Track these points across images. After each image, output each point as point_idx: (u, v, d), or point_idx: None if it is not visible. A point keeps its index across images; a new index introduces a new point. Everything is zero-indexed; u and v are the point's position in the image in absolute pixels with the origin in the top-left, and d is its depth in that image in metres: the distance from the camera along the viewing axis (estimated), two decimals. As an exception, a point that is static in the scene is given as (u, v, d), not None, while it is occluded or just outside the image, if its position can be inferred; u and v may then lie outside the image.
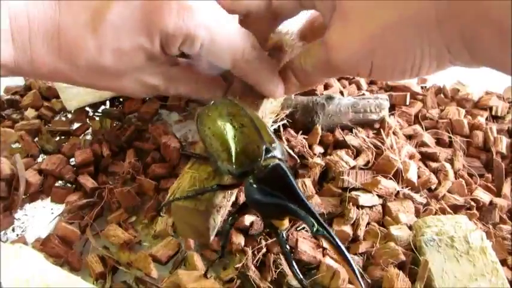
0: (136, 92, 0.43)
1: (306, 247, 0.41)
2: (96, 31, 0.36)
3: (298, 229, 0.43)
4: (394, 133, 0.54)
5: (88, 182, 0.49)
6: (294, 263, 0.33)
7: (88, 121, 0.59)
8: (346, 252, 0.31)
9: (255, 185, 0.34)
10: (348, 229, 0.43)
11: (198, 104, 0.59)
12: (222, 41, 0.39)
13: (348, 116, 0.54)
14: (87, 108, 0.60)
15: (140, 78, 0.41)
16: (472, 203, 0.47)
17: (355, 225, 0.44)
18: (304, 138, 0.52)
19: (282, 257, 0.40)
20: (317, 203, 0.45)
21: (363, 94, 0.61)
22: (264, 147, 0.35)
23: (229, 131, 0.37)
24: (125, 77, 0.40)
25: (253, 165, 0.35)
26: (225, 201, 0.39)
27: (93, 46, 0.36)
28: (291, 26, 0.49)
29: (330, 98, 0.54)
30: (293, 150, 0.50)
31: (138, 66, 0.40)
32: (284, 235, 0.35)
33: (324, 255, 0.41)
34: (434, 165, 0.52)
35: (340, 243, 0.31)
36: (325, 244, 0.41)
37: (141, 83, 0.42)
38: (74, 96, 0.56)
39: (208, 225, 0.36)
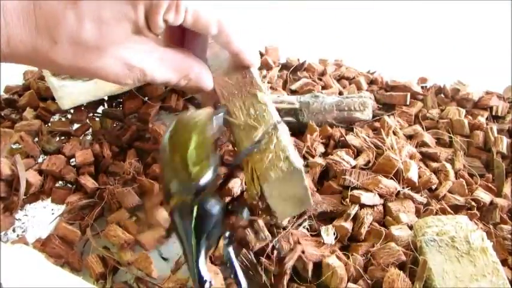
0: (121, 76, 0.39)
1: (311, 248, 0.41)
2: (75, 0, 0.33)
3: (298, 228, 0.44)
4: (394, 133, 0.54)
5: (89, 182, 0.49)
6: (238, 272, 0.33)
7: (88, 121, 0.59)
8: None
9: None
10: (347, 225, 0.43)
11: (197, 104, 0.59)
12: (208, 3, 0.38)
13: (332, 114, 0.55)
14: (87, 109, 0.60)
15: (124, 57, 0.37)
16: (473, 203, 0.47)
17: (358, 224, 0.44)
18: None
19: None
20: (318, 201, 0.45)
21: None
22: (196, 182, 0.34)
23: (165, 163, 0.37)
24: (107, 54, 0.37)
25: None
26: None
27: (72, 17, 0.34)
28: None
29: (314, 97, 0.55)
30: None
31: (122, 40, 0.37)
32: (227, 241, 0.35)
33: (332, 252, 0.41)
34: (434, 165, 0.52)
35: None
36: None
37: (125, 64, 0.38)
38: (67, 95, 0.55)
39: (305, 183, 0.36)
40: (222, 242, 0.34)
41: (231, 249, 0.34)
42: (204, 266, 0.32)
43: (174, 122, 0.39)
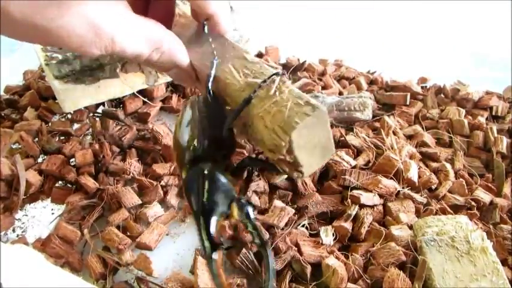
0: (86, 41, 0.32)
1: (309, 249, 0.41)
2: None
3: (297, 227, 0.44)
4: (394, 133, 0.54)
5: (89, 182, 0.49)
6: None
7: (88, 121, 0.59)
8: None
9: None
10: (347, 225, 0.43)
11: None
12: None
13: (332, 114, 0.55)
14: (87, 109, 0.60)
15: (91, 17, 0.32)
16: (473, 203, 0.47)
17: (358, 224, 0.44)
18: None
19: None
20: (318, 201, 0.45)
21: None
22: (189, 153, 0.36)
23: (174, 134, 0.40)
24: (71, 11, 0.31)
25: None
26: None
27: None
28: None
29: (314, 97, 0.55)
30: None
31: None
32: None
33: (330, 253, 0.41)
34: (434, 165, 0.52)
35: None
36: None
37: (92, 27, 0.32)
38: (69, 98, 0.56)
39: (328, 126, 0.33)
40: (235, 209, 0.33)
41: (250, 210, 0.33)
42: (214, 231, 0.31)
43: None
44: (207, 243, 0.31)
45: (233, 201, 0.33)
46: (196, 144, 0.36)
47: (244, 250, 0.42)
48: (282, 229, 0.44)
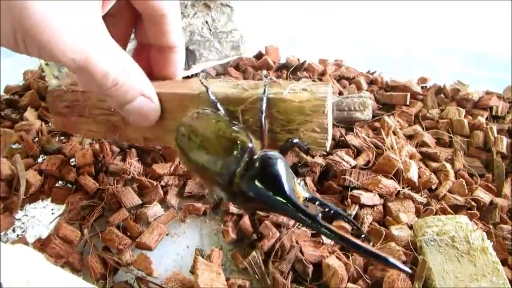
0: (66, 45, 0.27)
1: (310, 249, 0.41)
2: None
3: (299, 227, 0.44)
4: (394, 133, 0.54)
5: (89, 182, 0.49)
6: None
7: (88, 121, 0.59)
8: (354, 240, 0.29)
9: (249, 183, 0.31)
10: (347, 225, 0.43)
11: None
12: None
13: (332, 114, 0.55)
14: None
15: (82, 13, 0.28)
16: (473, 203, 0.47)
17: (358, 224, 0.44)
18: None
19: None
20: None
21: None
22: (239, 147, 0.32)
23: (198, 153, 0.34)
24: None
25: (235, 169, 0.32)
26: None
27: None
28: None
29: None
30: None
31: None
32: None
33: (331, 253, 0.41)
34: (434, 165, 0.52)
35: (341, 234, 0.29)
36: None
37: (78, 24, 0.27)
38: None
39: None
40: (297, 186, 0.31)
41: (304, 187, 0.32)
42: (304, 208, 0.30)
43: (180, 128, 0.36)
44: (308, 219, 0.29)
45: (294, 179, 0.32)
46: (251, 141, 0.32)
47: (254, 253, 0.41)
48: (288, 229, 0.43)
